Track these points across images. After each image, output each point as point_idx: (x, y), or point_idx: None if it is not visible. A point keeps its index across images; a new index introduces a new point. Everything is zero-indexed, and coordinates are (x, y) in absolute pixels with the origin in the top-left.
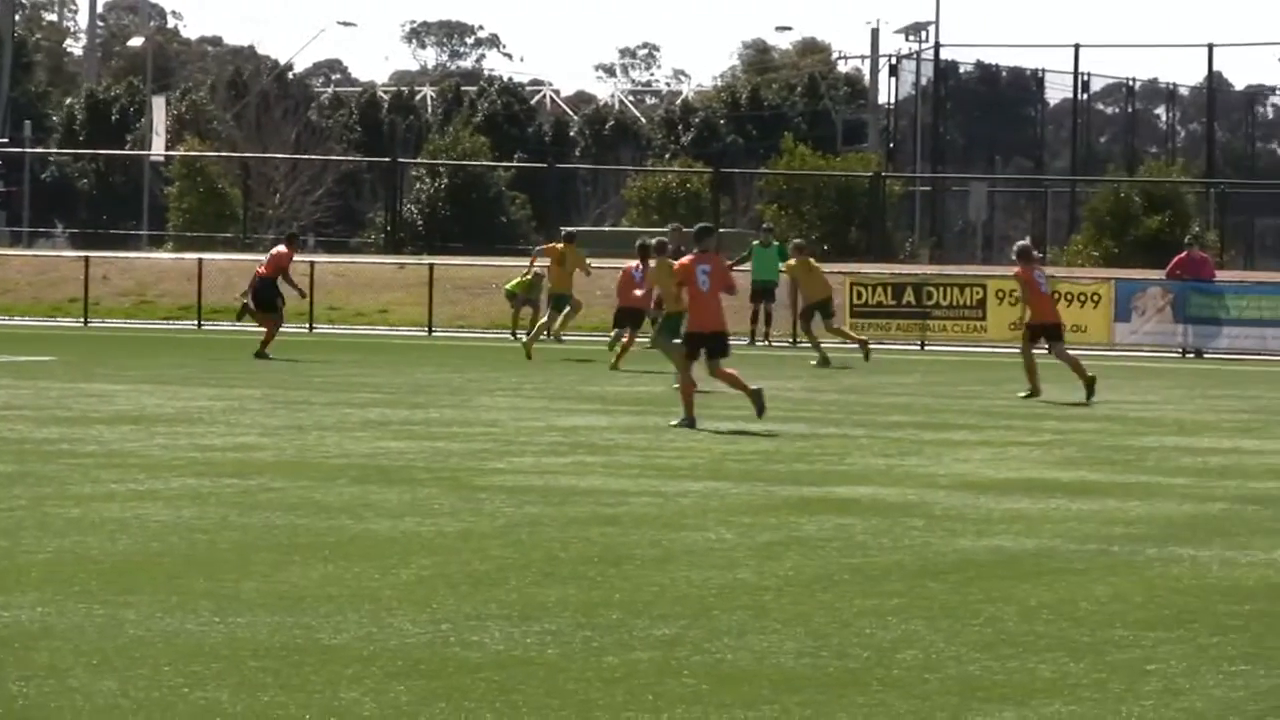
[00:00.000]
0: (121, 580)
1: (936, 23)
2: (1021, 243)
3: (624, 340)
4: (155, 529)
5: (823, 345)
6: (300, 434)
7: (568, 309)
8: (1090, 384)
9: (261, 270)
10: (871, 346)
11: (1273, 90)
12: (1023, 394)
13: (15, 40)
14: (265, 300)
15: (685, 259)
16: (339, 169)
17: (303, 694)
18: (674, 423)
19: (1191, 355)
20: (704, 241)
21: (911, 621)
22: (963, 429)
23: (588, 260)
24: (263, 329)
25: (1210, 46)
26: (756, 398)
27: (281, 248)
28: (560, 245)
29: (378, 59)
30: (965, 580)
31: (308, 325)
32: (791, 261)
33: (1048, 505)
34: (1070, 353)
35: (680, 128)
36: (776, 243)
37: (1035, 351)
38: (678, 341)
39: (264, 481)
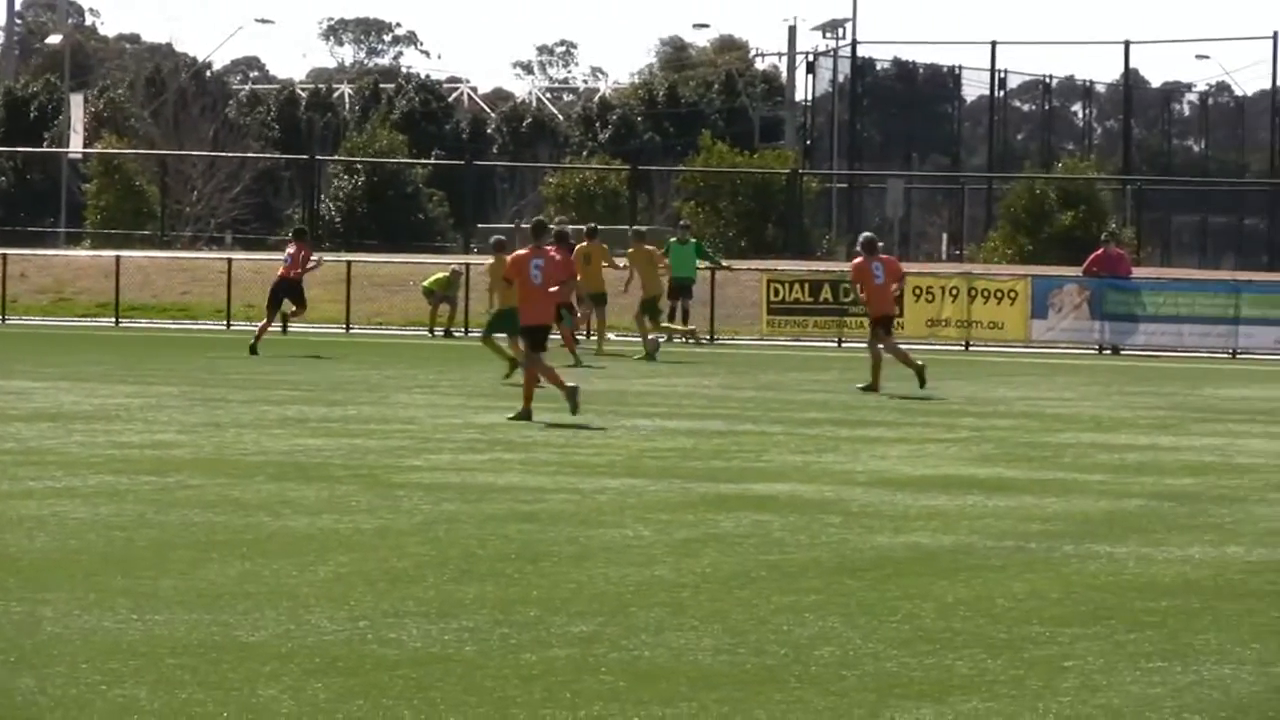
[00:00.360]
0: (39, 578)
1: (854, 20)
2: (866, 234)
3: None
4: (73, 526)
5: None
6: (218, 431)
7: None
8: (920, 372)
9: (285, 272)
10: (793, 342)
11: (1189, 87)
12: (860, 386)
13: None
14: (295, 295)
15: (520, 252)
16: (256, 166)
17: (220, 691)
18: (509, 416)
19: (1108, 352)
20: (540, 237)
21: (829, 618)
22: (880, 426)
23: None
24: (256, 324)
25: (1127, 44)
26: (572, 395)
27: (291, 248)
28: (585, 243)
29: (296, 56)
30: (883, 577)
31: (225, 323)
32: (631, 250)
33: (965, 502)
34: (899, 346)
35: (598, 125)
36: (694, 240)
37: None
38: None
39: (182, 479)
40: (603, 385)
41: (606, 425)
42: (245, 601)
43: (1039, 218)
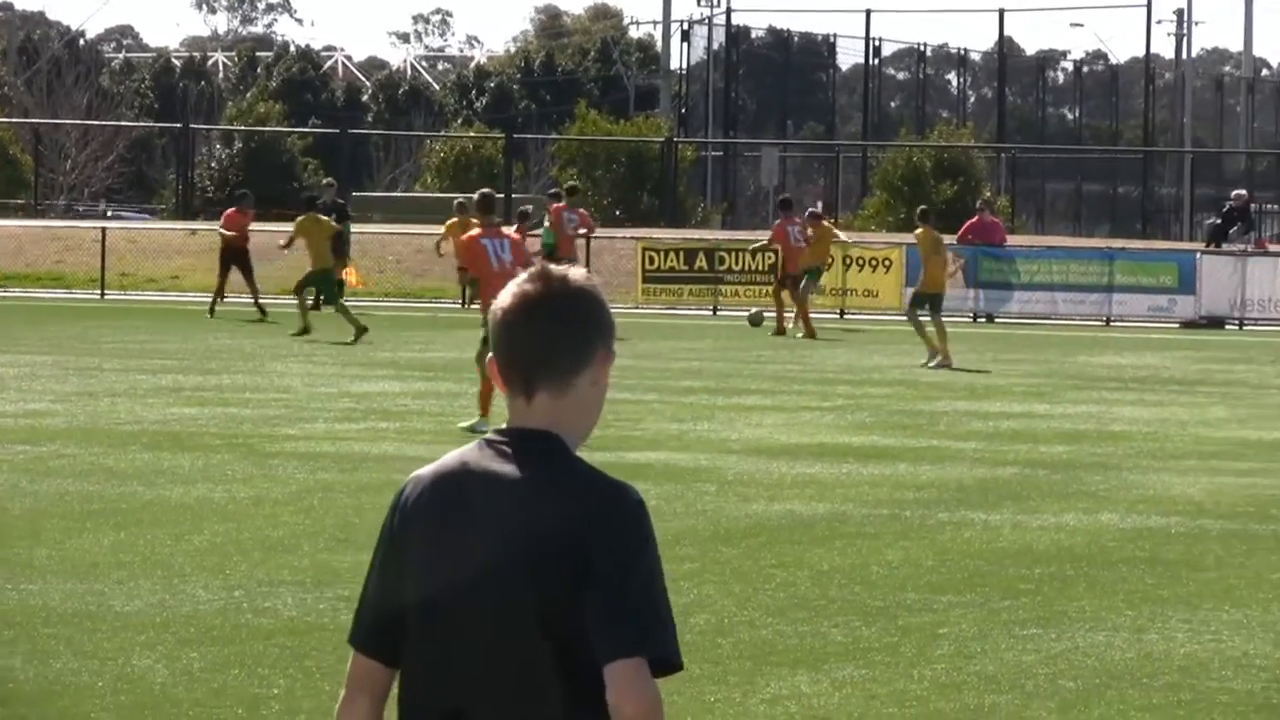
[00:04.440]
0: None
1: None
2: (784, 195)
3: None
4: None
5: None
6: (92, 400)
7: None
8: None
9: (233, 240)
10: (668, 310)
11: (1064, 55)
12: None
13: None
14: (242, 262)
15: (472, 234)
16: (130, 135)
17: (95, 660)
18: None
19: (983, 320)
20: (490, 213)
21: (704, 586)
22: (755, 394)
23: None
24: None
25: (1001, 11)
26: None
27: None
28: (455, 219)
29: (170, 25)
30: (758, 545)
31: (99, 292)
32: (452, 221)
33: (840, 470)
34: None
35: (474, 93)
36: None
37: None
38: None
39: (55, 448)
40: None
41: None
42: (120, 571)
43: (916, 186)
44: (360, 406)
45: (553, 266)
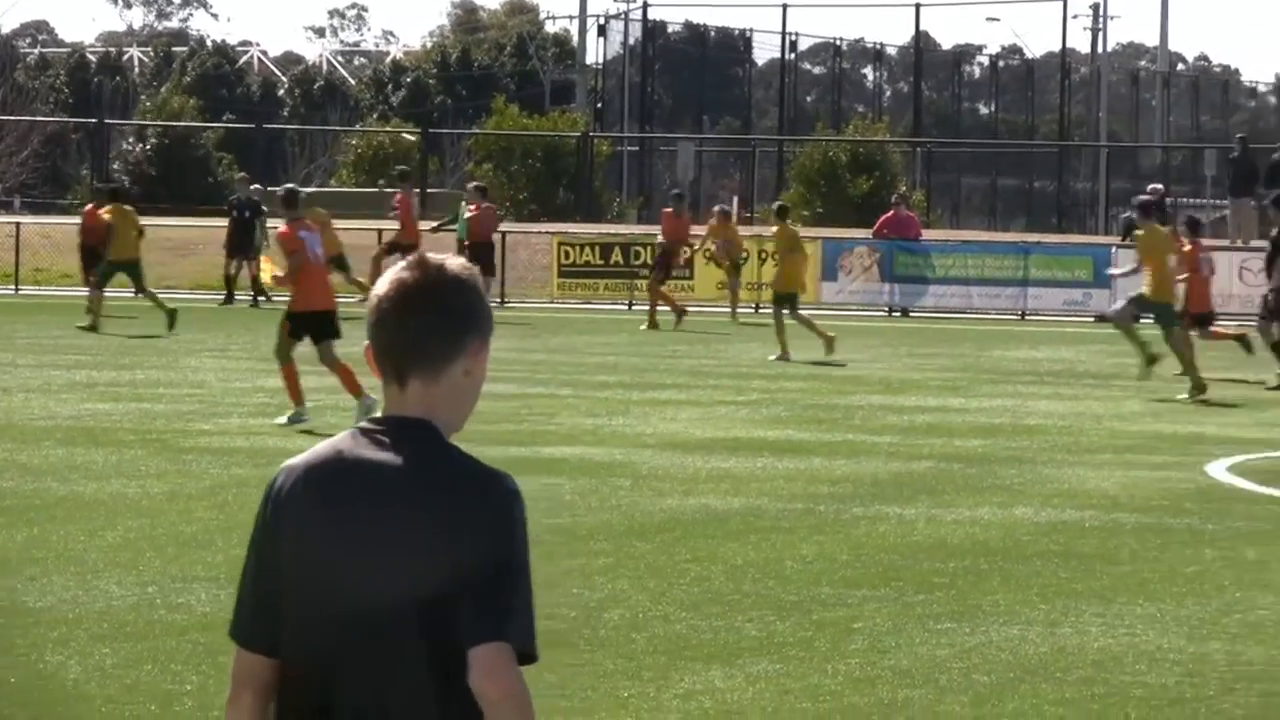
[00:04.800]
0: None
1: None
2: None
3: None
4: None
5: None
6: (4, 396)
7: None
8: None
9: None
10: (584, 305)
11: (980, 50)
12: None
13: None
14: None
15: (287, 228)
16: (45, 130)
17: (8, 656)
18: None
19: (898, 314)
20: (295, 207)
21: (619, 581)
22: (670, 389)
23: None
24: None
25: (918, 6)
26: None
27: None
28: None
29: (85, 20)
30: (672, 540)
31: (14, 287)
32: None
33: (755, 464)
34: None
35: (390, 88)
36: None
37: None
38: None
39: None
40: None
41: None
42: (32, 567)
43: (832, 180)
44: (274, 401)
45: (431, 255)
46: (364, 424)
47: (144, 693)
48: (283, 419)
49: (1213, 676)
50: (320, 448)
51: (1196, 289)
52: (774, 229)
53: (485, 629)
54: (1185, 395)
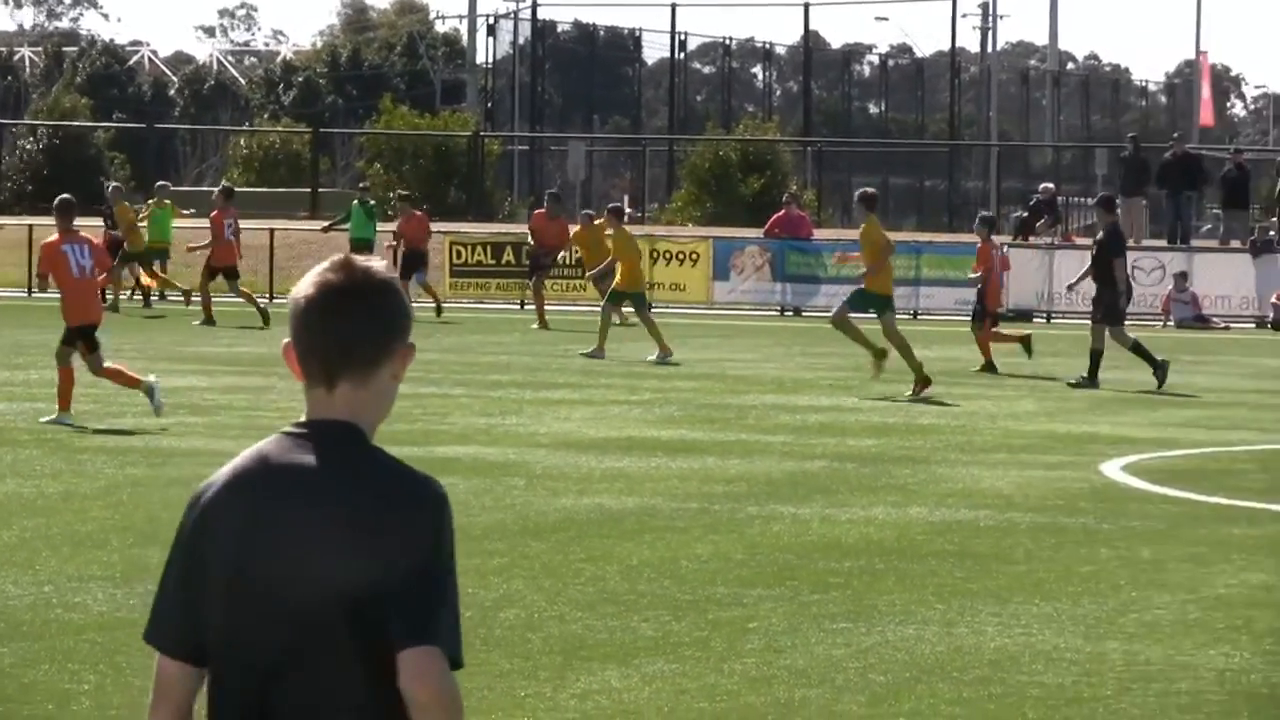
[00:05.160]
0: None
1: None
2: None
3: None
4: None
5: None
6: None
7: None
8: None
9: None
10: (476, 304)
11: (869, 49)
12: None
13: None
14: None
15: (51, 239)
16: None
17: None
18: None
19: (790, 313)
20: (68, 217)
21: (513, 581)
22: (563, 388)
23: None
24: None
25: (807, 5)
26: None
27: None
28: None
29: None
30: (567, 539)
31: None
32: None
33: (649, 464)
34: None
35: (281, 88)
36: (373, 202)
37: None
38: None
39: None
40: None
41: (289, 389)
42: None
43: (723, 180)
44: (168, 401)
45: (355, 257)
46: (289, 428)
47: (41, 692)
48: (49, 418)
49: (1110, 676)
50: (247, 453)
51: (993, 287)
52: (608, 232)
53: (414, 632)
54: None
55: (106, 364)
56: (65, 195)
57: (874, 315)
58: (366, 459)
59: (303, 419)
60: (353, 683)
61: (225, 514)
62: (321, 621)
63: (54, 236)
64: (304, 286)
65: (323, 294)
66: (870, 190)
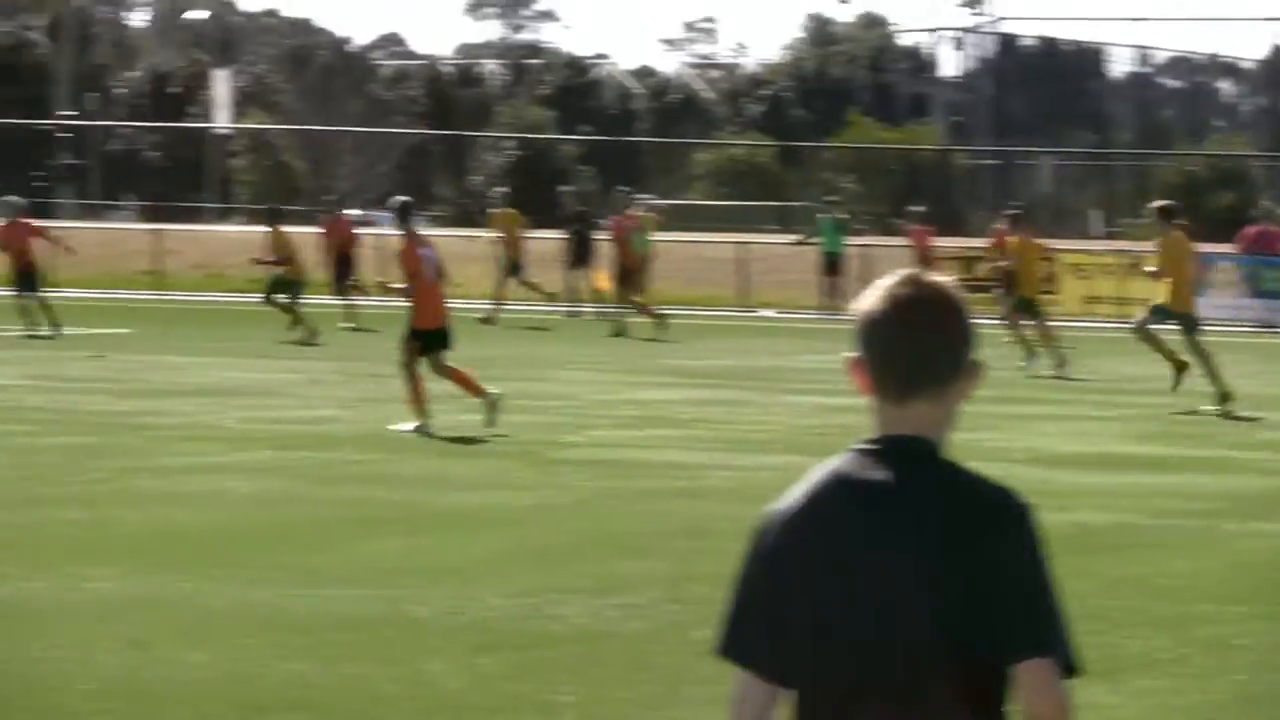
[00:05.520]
0: (207, 553)
1: None
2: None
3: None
4: (234, 500)
5: None
6: (377, 407)
7: None
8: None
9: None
10: None
11: None
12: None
13: (76, 12)
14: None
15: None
16: (406, 142)
17: (388, 666)
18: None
19: (1265, 330)
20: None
21: None
22: (1039, 403)
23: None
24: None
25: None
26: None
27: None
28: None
29: (437, 33)
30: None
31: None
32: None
33: (1124, 480)
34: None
35: (745, 101)
36: (845, 216)
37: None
38: None
39: (342, 454)
40: (734, 361)
41: (764, 403)
42: (410, 577)
43: (1190, 195)
44: (643, 414)
45: (923, 273)
46: (861, 444)
47: (526, 703)
48: (405, 426)
49: None
50: (821, 469)
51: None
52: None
53: (1028, 645)
54: None
55: (448, 365)
56: (404, 198)
57: None
58: (947, 473)
59: (874, 435)
60: (950, 704)
61: (807, 532)
62: (919, 642)
63: (405, 243)
64: (875, 300)
65: (898, 309)
66: None
